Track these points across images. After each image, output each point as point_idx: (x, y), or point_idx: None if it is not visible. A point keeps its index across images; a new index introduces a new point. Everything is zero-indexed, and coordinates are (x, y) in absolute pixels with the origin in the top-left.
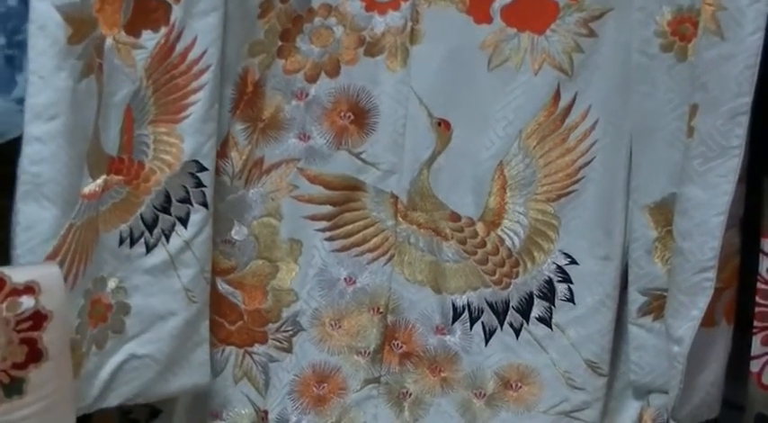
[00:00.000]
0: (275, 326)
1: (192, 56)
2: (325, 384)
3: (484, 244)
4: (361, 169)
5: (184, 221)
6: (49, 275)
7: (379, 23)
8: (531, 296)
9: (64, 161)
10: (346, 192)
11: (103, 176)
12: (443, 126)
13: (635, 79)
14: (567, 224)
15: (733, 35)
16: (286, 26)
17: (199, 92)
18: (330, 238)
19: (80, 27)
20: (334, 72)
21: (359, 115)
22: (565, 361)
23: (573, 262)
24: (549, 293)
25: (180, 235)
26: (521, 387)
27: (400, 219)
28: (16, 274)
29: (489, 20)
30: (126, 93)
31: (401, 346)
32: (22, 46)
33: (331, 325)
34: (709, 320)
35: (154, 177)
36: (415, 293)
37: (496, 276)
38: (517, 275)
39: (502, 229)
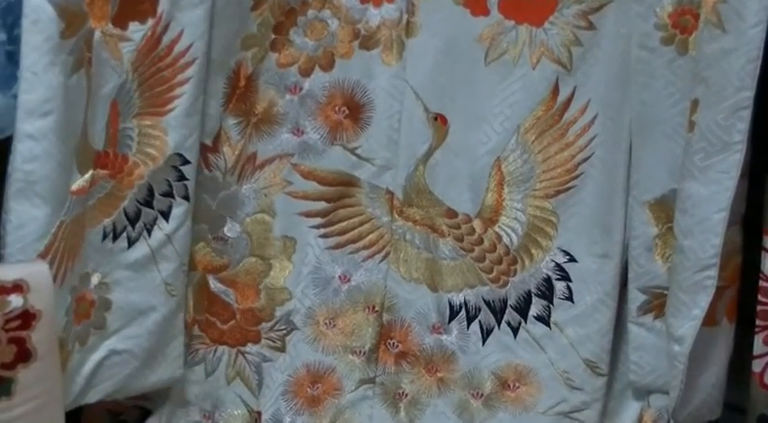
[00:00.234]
0: (268, 325)
1: (178, 48)
2: (320, 385)
3: (481, 241)
4: (355, 165)
5: (166, 215)
6: (37, 274)
7: (375, 16)
8: (529, 294)
9: (56, 159)
10: (341, 188)
11: (90, 171)
12: (440, 121)
13: (635, 73)
14: (566, 221)
15: (734, 28)
16: (279, 19)
17: (184, 85)
18: (324, 235)
19: (72, 21)
20: (328, 66)
21: (354, 110)
22: (563, 361)
23: (572, 259)
24: (547, 292)
25: (161, 229)
26: (519, 387)
27: (396, 215)
28: (4, 273)
29: (487, 12)
30: (112, 86)
31: (397, 346)
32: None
33: (325, 324)
34: (710, 319)
35: (137, 171)
36: (410, 292)
37: (494, 274)
38: (515, 273)
39: (499, 226)
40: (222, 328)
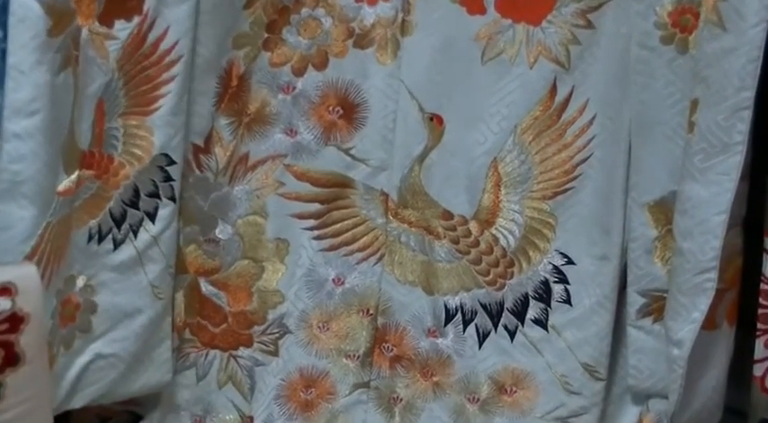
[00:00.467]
0: (261, 328)
1: (163, 46)
2: (313, 389)
3: (477, 243)
4: (350, 166)
5: (152, 216)
6: (25, 276)
7: (369, 14)
8: (526, 297)
9: (43, 159)
10: (335, 189)
11: (77, 172)
12: (435, 121)
13: (634, 73)
14: (564, 223)
15: (735, 27)
16: (272, 17)
17: (170, 83)
18: (318, 237)
19: (60, 19)
20: (322, 65)
21: (348, 110)
22: (561, 364)
23: (570, 262)
24: (544, 294)
25: (148, 230)
26: (515, 391)
27: (391, 217)
28: None
29: (483, 11)
30: (99, 85)
31: (392, 350)
32: None
33: (319, 327)
34: (710, 323)
35: (123, 171)
36: (406, 294)
37: (490, 277)
38: (512, 276)
39: (496, 228)
40: (214, 331)
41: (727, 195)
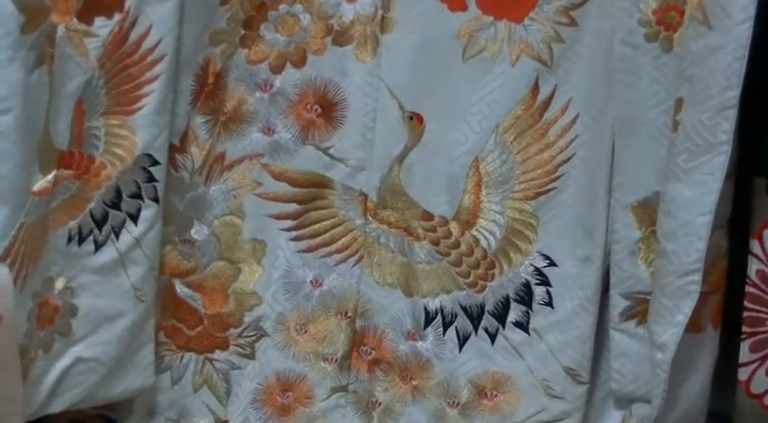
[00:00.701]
0: (237, 331)
1: (146, 45)
2: (290, 393)
3: (458, 244)
4: (328, 165)
5: (135, 218)
6: None
7: (348, 11)
8: (507, 300)
9: (16, 158)
10: (313, 189)
11: (54, 172)
12: (416, 120)
13: (618, 71)
14: (546, 224)
15: (720, 24)
16: (250, 14)
17: (153, 82)
18: (296, 238)
19: (33, 15)
20: (300, 62)
21: (326, 108)
22: (543, 368)
23: (552, 264)
24: (526, 297)
25: (130, 232)
26: (496, 396)
27: (370, 218)
28: None
29: (464, 7)
30: (78, 83)
31: (370, 353)
32: None
33: (296, 330)
34: (694, 326)
35: (104, 172)
36: (385, 297)
37: (471, 279)
38: (493, 278)
39: (477, 229)
40: (189, 334)
41: (712, 196)
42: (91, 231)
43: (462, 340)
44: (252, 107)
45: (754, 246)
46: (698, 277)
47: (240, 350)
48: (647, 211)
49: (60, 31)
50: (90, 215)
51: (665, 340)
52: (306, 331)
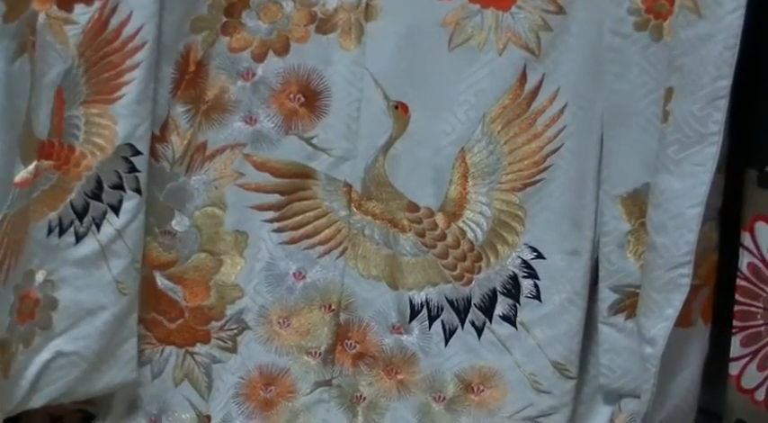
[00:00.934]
0: (219, 324)
1: (126, 32)
2: (273, 387)
3: (444, 236)
4: (311, 155)
5: (116, 209)
6: None
7: None
8: (494, 293)
9: None
10: (296, 180)
11: (35, 162)
12: (401, 109)
13: (607, 60)
14: (534, 216)
15: (711, 13)
16: (231, 0)
17: (134, 70)
18: (278, 230)
19: (15, 4)
20: (283, 50)
21: (310, 97)
22: (530, 363)
23: (539, 256)
24: (513, 290)
25: (111, 223)
26: (483, 390)
27: (354, 209)
28: None
29: None
30: (57, 72)
31: (355, 347)
32: None
33: (279, 323)
34: (684, 320)
35: (85, 162)
36: (369, 289)
37: (457, 271)
38: (479, 270)
39: (463, 221)
40: (170, 327)
41: (703, 188)
42: (71, 223)
43: (448, 334)
44: (234, 96)
45: (746, 238)
46: (688, 270)
47: (222, 344)
48: (637, 202)
49: (41, 18)
50: (70, 206)
51: (655, 334)
52: (289, 324)
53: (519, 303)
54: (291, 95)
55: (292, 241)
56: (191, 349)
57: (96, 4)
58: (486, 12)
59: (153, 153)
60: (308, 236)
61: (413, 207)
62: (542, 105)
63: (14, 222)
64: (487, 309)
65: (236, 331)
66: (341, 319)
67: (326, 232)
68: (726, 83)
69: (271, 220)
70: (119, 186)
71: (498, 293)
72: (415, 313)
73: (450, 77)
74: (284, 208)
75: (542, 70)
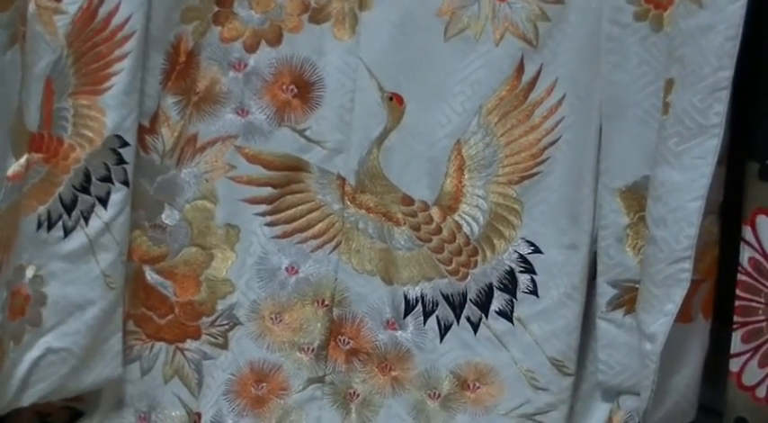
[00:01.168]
0: (209, 319)
1: (115, 21)
2: (265, 384)
3: (439, 230)
4: (304, 148)
5: (104, 201)
6: None
7: None
8: (490, 288)
9: None
10: (288, 172)
11: (26, 155)
12: (395, 101)
13: (605, 51)
14: (531, 209)
15: (712, 3)
16: None
17: (123, 60)
18: (270, 224)
19: None
20: (275, 41)
21: (303, 88)
22: (527, 359)
23: (536, 251)
24: (510, 285)
25: (99, 216)
26: (479, 387)
27: (348, 202)
28: None
29: None
30: (47, 62)
31: (348, 343)
32: None
33: (271, 319)
34: (685, 315)
35: (73, 154)
36: (363, 284)
37: (453, 266)
38: (475, 265)
39: (459, 215)
40: (159, 322)
41: (704, 180)
42: (60, 216)
43: (444, 330)
44: (225, 87)
45: (747, 232)
46: (688, 265)
47: (212, 339)
48: (636, 196)
49: (31, 8)
50: (59, 200)
51: (655, 330)
52: (281, 320)
53: (516, 298)
54: (284, 86)
55: (285, 235)
56: (181, 345)
57: None
58: (483, 1)
59: (143, 145)
60: (301, 230)
61: (407, 200)
62: (540, 96)
63: (7, 217)
64: (483, 304)
65: (227, 327)
66: (334, 314)
67: (320, 226)
68: (727, 74)
69: (263, 214)
70: (107, 178)
71: (495, 288)
72: (409, 308)
73: (445, 68)
74: (276, 201)
75: (540, 60)
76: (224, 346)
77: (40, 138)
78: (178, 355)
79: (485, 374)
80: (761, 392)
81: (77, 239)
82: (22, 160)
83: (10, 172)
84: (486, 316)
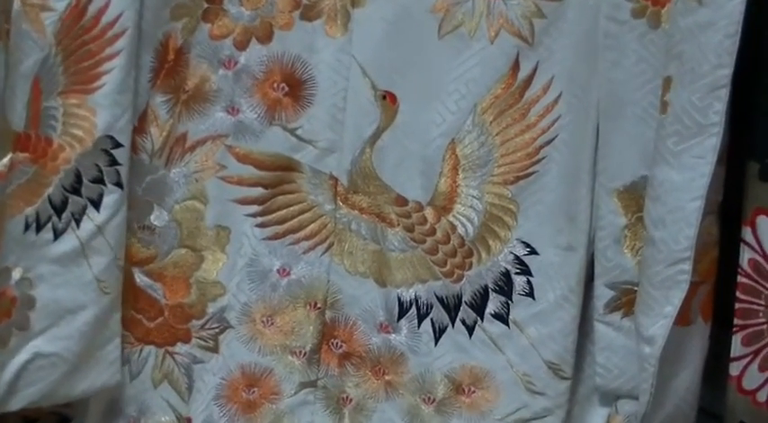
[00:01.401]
0: (200, 323)
1: (105, 19)
2: (256, 388)
3: (433, 231)
4: (296, 147)
5: (97, 204)
6: None
7: None
8: (485, 290)
9: None
10: (280, 172)
11: (9, 155)
12: (389, 99)
13: (603, 48)
14: (527, 210)
15: (712, 0)
16: None
17: (114, 59)
18: (261, 225)
19: None
20: (266, 38)
21: (294, 87)
22: (523, 363)
23: (533, 252)
24: (505, 287)
25: (92, 219)
26: (474, 392)
27: (340, 203)
28: None
29: None
30: (34, 61)
31: (341, 346)
32: None
33: (262, 322)
34: (684, 318)
35: (63, 155)
36: (356, 287)
37: (447, 268)
38: (470, 267)
39: (454, 215)
40: (149, 325)
41: (703, 180)
42: (49, 218)
43: (438, 333)
44: (215, 85)
45: (747, 233)
46: (687, 266)
47: (203, 343)
48: (634, 196)
49: (16, 5)
50: (48, 201)
51: (653, 333)
52: (272, 323)
53: (511, 301)
54: (275, 85)
55: (276, 237)
56: (170, 349)
57: None
58: None
59: (131, 145)
60: (293, 231)
61: (401, 201)
62: (536, 95)
63: None
64: (479, 306)
65: (217, 330)
66: (327, 317)
67: (311, 227)
68: (727, 72)
69: (254, 215)
70: (99, 180)
71: (490, 291)
72: (403, 311)
73: (439, 66)
74: (268, 202)
75: (536, 58)
76: (214, 350)
77: (26, 137)
78: (168, 359)
79: (480, 378)
80: (761, 396)
81: (68, 242)
82: (5, 160)
83: None
84: (482, 319)
